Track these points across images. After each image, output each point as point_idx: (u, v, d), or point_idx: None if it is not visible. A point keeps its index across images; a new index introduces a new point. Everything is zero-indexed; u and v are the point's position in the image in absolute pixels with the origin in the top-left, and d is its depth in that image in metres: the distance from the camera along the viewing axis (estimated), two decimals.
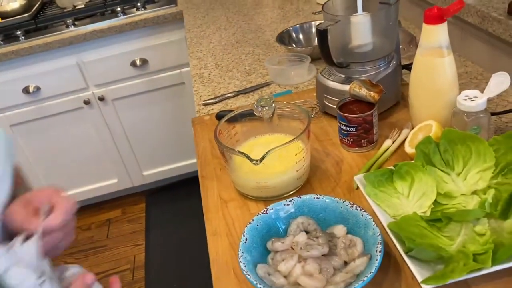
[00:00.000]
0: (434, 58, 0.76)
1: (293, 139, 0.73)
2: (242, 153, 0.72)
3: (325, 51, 0.86)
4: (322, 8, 0.91)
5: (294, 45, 1.36)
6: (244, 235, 0.64)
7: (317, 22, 1.40)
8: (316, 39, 1.35)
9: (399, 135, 0.86)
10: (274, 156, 0.72)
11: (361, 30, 0.88)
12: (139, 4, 2.06)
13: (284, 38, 1.37)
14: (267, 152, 0.71)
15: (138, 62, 2.03)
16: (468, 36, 1.12)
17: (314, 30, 1.38)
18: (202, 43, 1.63)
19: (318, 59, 1.28)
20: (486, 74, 1.07)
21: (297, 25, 1.41)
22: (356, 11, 0.90)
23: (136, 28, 1.99)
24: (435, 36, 0.75)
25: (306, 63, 1.22)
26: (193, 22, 1.85)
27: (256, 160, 0.71)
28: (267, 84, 1.25)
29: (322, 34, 0.84)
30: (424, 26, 0.75)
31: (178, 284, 1.91)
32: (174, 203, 2.33)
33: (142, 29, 2.01)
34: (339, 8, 0.95)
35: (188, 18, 1.91)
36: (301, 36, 1.38)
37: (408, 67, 1.08)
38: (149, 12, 2.03)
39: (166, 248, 2.11)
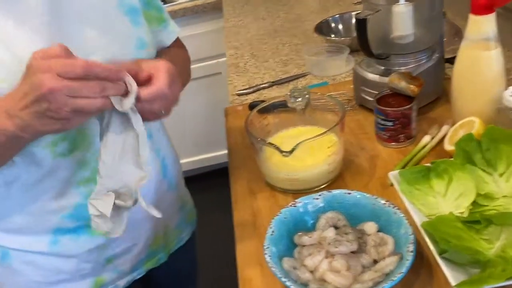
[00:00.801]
0: (480, 51, 0.72)
1: (326, 132, 0.71)
2: (272, 144, 0.71)
3: (364, 41, 0.83)
4: None
5: (333, 36, 1.32)
6: (271, 227, 0.63)
7: (357, 12, 1.36)
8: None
9: (438, 131, 0.82)
10: (305, 149, 0.71)
11: (403, 20, 0.84)
12: None
13: (322, 28, 1.34)
14: (297, 144, 0.69)
15: None
16: None
17: (354, 20, 1.33)
18: (239, 32, 1.62)
19: (357, 50, 1.24)
20: None
21: (337, 15, 1.37)
22: (398, 0, 0.86)
23: (175, 17, 2.01)
24: (482, 28, 0.71)
25: (344, 54, 1.19)
26: (231, 11, 1.84)
27: (286, 152, 0.69)
28: (303, 75, 1.22)
29: (361, 23, 0.81)
30: (471, 16, 0.71)
31: (205, 273, 1.92)
32: (206, 192, 2.35)
33: (181, 18, 2.02)
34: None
35: (227, 7, 1.90)
36: (340, 27, 1.34)
37: (452, 60, 1.03)
38: (189, 1, 2.04)
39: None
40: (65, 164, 0.67)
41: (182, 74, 0.78)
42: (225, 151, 2.48)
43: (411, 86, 0.79)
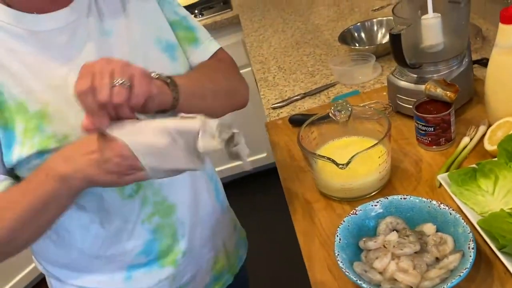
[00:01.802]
0: (511, 57, 0.78)
1: (376, 144, 0.77)
2: (328, 158, 0.77)
3: (399, 54, 0.89)
4: (393, 11, 0.94)
5: (357, 44, 1.39)
6: (337, 235, 0.69)
7: (378, 19, 1.42)
8: (379, 36, 1.38)
9: (476, 132, 0.88)
10: (357, 160, 0.77)
11: (433, 31, 0.90)
12: (196, 11, 2.15)
13: (346, 38, 1.40)
14: (352, 157, 0.75)
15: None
16: None
17: (375, 28, 1.40)
18: (262, 46, 1.68)
19: (381, 56, 1.31)
20: None
21: (358, 24, 1.43)
22: (425, 11, 0.92)
23: None
24: (511, 36, 0.76)
25: (371, 62, 1.25)
26: (250, 26, 1.91)
27: (342, 164, 0.75)
28: (332, 85, 1.29)
29: (396, 38, 0.87)
30: (500, 25, 0.77)
31: (270, 280, 1.95)
32: (242, 198, 2.42)
33: None
34: (407, 9, 0.97)
35: (245, 22, 1.97)
36: (363, 35, 1.40)
37: (479, 62, 1.09)
38: (207, 18, 2.12)
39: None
40: (131, 205, 0.74)
41: (204, 80, 0.79)
42: (254, 157, 2.53)
43: (448, 92, 0.85)
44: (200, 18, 2.11)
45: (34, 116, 0.63)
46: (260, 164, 2.39)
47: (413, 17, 0.93)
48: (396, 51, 0.89)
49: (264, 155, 2.40)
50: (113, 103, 0.54)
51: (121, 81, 0.55)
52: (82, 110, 0.56)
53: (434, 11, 0.91)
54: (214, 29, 2.10)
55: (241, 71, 2.36)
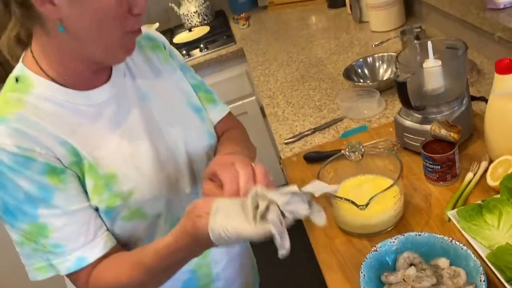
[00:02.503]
0: (507, 102, 0.87)
1: (391, 186, 0.85)
2: (348, 200, 0.86)
3: (405, 98, 0.99)
4: (397, 59, 1.03)
5: (361, 80, 1.48)
6: (362, 272, 0.77)
7: (379, 55, 1.52)
8: (381, 72, 1.48)
9: (478, 168, 0.96)
10: (374, 199, 0.85)
11: (434, 76, 0.99)
12: (201, 45, 2.25)
13: (350, 73, 1.49)
14: (371, 199, 0.84)
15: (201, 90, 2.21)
16: None
17: (377, 63, 1.50)
18: (269, 81, 1.78)
19: (384, 90, 1.40)
20: None
21: (361, 60, 1.53)
22: (426, 56, 1.01)
23: (202, 68, 2.18)
24: (506, 84, 0.86)
25: (375, 97, 1.35)
26: (255, 59, 2.01)
27: (362, 206, 0.84)
28: (340, 119, 1.37)
29: (402, 85, 0.96)
30: (496, 75, 0.86)
31: None
32: None
33: (207, 68, 2.19)
34: (411, 56, 1.07)
35: (250, 55, 2.07)
36: (366, 71, 1.50)
37: (477, 99, 1.18)
38: (212, 52, 2.21)
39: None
40: None
41: (247, 149, 0.93)
42: None
43: (451, 133, 0.94)
44: (206, 52, 2.21)
45: (103, 177, 0.74)
46: None
47: (416, 64, 1.02)
48: (403, 96, 0.98)
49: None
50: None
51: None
52: (141, 169, 0.71)
53: (434, 57, 1.01)
54: (219, 62, 2.20)
55: (245, 100, 2.46)
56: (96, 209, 0.76)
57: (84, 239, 0.74)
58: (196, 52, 2.25)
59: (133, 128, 0.80)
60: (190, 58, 2.21)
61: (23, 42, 0.76)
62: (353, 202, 0.85)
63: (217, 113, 0.98)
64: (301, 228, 1.01)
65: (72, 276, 0.75)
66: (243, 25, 2.39)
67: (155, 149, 0.81)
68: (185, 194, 0.86)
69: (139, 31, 0.74)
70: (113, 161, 0.76)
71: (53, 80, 0.74)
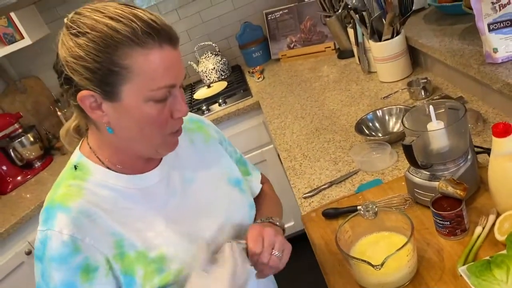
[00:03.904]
0: (507, 162, 0.95)
1: (404, 245, 0.92)
2: (364, 260, 0.93)
3: (412, 159, 1.07)
4: (402, 123, 1.12)
5: (372, 133, 1.57)
6: None
7: (388, 108, 1.61)
8: (390, 125, 1.56)
9: (486, 221, 1.03)
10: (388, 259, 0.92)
11: (438, 137, 1.07)
12: (220, 100, 2.39)
13: (362, 127, 1.58)
14: (385, 259, 0.91)
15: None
16: None
17: (387, 117, 1.59)
18: (285, 134, 1.88)
19: (395, 142, 1.48)
20: None
21: (371, 113, 1.62)
22: (430, 118, 1.10)
23: (222, 121, 2.31)
24: (504, 146, 0.93)
25: (387, 151, 1.43)
26: (271, 112, 2.12)
27: (378, 266, 0.91)
28: (355, 172, 1.45)
29: (408, 148, 1.05)
30: (494, 138, 0.94)
31: None
32: None
33: (227, 121, 2.32)
34: (415, 116, 1.15)
35: (266, 109, 2.19)
36: (376, 124, 1.59)
37: (481, 152, 1.26)
38: (231, 106, 2.34)
39: None
40: None
41: (279, 213, 1.03)
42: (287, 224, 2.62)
43: (458, 191, 1.01)
44: (225, 106, 2.34)
45: (153, 261, 0.81)
46: (289, 232, 2.54)
47: (420, 125, 1.11)
48: (409, 157, 1.07)
49: (291, 223, 2.55)
50: (267, 265, 0.80)
51: (278, 254, 0.82)
52: (189, 247, 0.82)
53: (437, 115, 1.09)
54: (238, 115, 2.32)
55: (264, 149, 2.56)
56: None
57: None
58: (215, 107, 2.38)
59: (179, 210, 0.89)
60: (210, 113, 2.34)
61: (81, 133, 0.88)
62: (369, 263, 0.92)
63: (256, 180, 1.11)
64: (311, 265, 1.08)
65: None
66: (259, 78, 2.53)
67: (200, 229, 0.89)
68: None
69: (179, 130, 0.84)
70: (162, 242, 0.83)
71: (107, 167, 0.83)
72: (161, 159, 0.90)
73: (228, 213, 0.96)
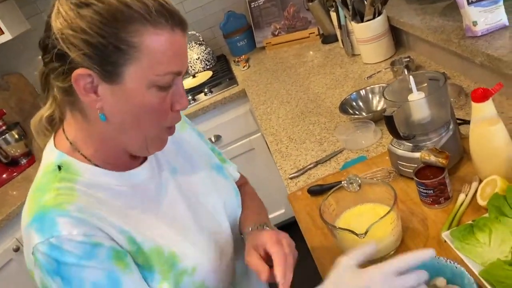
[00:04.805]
0: (486, 127, 0.95)
1: (387, 213, 0.92)
2: (348, 230, 0.93)
3: (394, 130, 1.07)
4: (383, 94, 1.12)
5: (356, 112, 1.57)
6: None
7: (371, 87, 1.61)
8: (374, 103, 1.56)
9: (469, 189, 1.03)
10: (373, 227, 0.92)
11: (419, 108, 1.08)
12: (206, 89, 2.37)
13: (346, 107, 1.58)
14: (369, 227, 0.91)
15: (213, 139, 2.31)
16: (510, 82, 1.28)
17: (370, 95, 1.59)
18: (271, 119, 1.87)
19: (379, 120, 1.48)
20: None
21: (354, 93, 1.62)
22: (411, 91, 1.10)
23: (208, 111, 2.29)
24: (483, 111, 0.94)
25: (371, 128, 1.43)
26: (257, 99, 2.12)
27: (362, 234, 0.91)
28: (340, 151, 1.45)
29: (389, 119, 1.05)
30: (473, 104, 0.94)
31: None
32: None
33: (213, 110, 2.30)
34: (396, 89, 1.15)
35: (252, 96, 2.18)
36: (360, 103, 1.59)
37: (464, 121, 1.26)
38: (217, 95, 2.33)
39: None
40: None
41: (262, 209, 1.05)
42: (274, 214, 2.63)
43: (440, 159, 1.01)
44: (210, 96, 2.33)
45: (166, 259, 0.76)
46: (280, 220, 2.54)
47: (402, 97, 1.11)
48: (391, 128, 1.06)
49: (282, 211, 2.55)
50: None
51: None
52: (195, 242, 0.80)
53: (417, 86, 1.09)
54: (224, 104, 2.31)
55: (252, 137, 2.55)
56: None
57: None
58: (201, 97, 2.36)
59: (175, 204, 0.84)
60: (196, 103, 2.33)
61: (53, 124, 0.78)
62: (353, 232, 0.92)
63: (233, 170, 1.09)
64: (310, 258, 1.08)
65: None
66: (244, 67, 2.52)
67: (200, 220, 0.86)
68: (231, 259, 0.91)
69: (173, 128, 0.78)
70: (168, 242, 0.77)
71: (95, 165, 0.75)
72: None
73: (221, 200, 0.93)
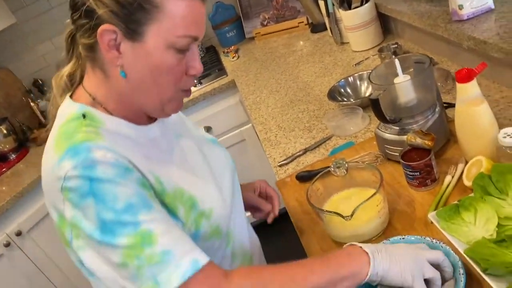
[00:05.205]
0: (471, 107, 0.95)
1: (373, 195, 0.92)
2: (335, 212, 0.92)
3: (380, 114, 1.06)
4: (369, 78, 1.12)
5: (344, 99, 1.56)
6: None
7: (359, 74, 1.61)
8: (362, 89, 1.56)
9: (456, 170, 1.03)
10: (359, 210, 0.92)
11: (405, 90, 1.07)
12: (195, 81, 2.36)
13: (334, 94, 1.58)
14: (355, 209, 0.90)
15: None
16: (496, 65, 1.28)
17: (358, 82, 1.59)
18: (260, 108, 1.87)
19: (367, 107, 1.48)
20: None
21: (343, 80, 1.62)
22: (397, 74, 1.10)
23: (198, 102, 2.28)
24: (468, 91, 0.94)
25: (359, 114, 1.43)
26: (246, 89, 2.11)
27: (348, 216, 0.91)
28: (328, 138, 1.45)
29: (375, 102, 1.04)
30: (458, 84, 0.94)
31: None
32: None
33: (203, 101, 2.29)
34: (382, 73, 1.15)
35: (241, 86, 2.17)
36: (348, 90, 1.59)
37: (450, 105, 1.26)
38: (206, 86, 2.32)
39: None
40: None
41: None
42: None
43: (426, 141, 1.01)
44: (200, 87, 2.32)
45: (187, 201, 0.80)
46: None
47: (388, 81, 1.11)
48: (377, 111, 1.06)
49: None
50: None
51: None
52: (216, 187, 0.88)
53: (403, 69, 1.09)
54: (214, 94, 2.30)
55: (242, 128, 2.55)
56: None
57: (189, 245, 0.71)
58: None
59: (185, 156, 0.89)
60: None
61: (73, 81, 0.82)
62: (339, 214, 0.92)
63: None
64: (297, 241, 1.08)
65: (190, 284, 0.68)
66: (233, 57, 2.50)
67: (210, 169, 0.91)
68: (229, 205, 0.94)
69: (189, 91, 0.81)
70: (188, 186, 0.82)
71: (113, 116, 0.79)
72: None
73: (224, 164, 0.98)
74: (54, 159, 0.71)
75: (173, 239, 0.70)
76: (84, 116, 0.76)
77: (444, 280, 0.77)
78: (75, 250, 0.72)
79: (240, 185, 1.04)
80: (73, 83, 0.83)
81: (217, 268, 0.72)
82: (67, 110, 0.79)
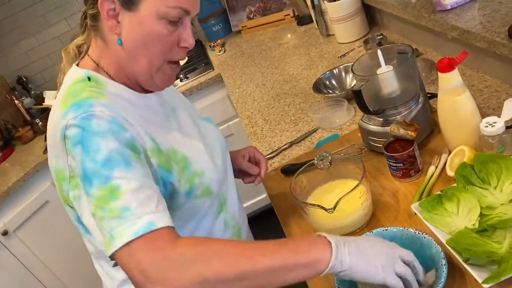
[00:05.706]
0: (453, 96, 0.94)
1: (356, 187, 0.91)
2: (318, 205, 0.91)
3: (362, 105, 1.06)
4: (352, 69, 1.11)
5: (330, 91, 1.55)
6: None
7: (344, 66, 1.60)
8: (347, 81, 1.55)
9: (439, 161, 1.03)
10: (342, 202, 0.91)
11: (388, 81, 1.06)
12: (181, 76, 2.34)
13: (319, 86, 1.57)
14: (338, 201, 0.90)
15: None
16: (480, 54, 1.28)
17: (343, 74, 1.58)
18: (247, 102, 1.85)
19: (352, 99, 1.47)
20: (504, 85, 1.23)
21: (328, 72, 1.60)
22: (380, 65, 1.09)
23: (185, 96, 2.25)
24: (449, 81, 0.93)
25: (344, 106, 1.42)
26: (233, 83, 2.09)
27: (331, 209, 0.90)
28: (314, 131, 1.44)
29: (357, 93, 1.03)
30: (439, 74, 0.94)
31: None
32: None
33: (190, 95, 2.27)
34: (365, 64, 1.14)
35: (228, 80, 2.15)
36: (333, 82, 1.58)
37: (434, 95, 1.25)
38: (193, 80, 2.30)
39: None
40: None
41: None
42: (255, 199, 2.63)
43: (409, 132, 1.00)
44: (186, 82, 2.30)
45: (181, 160, 0.86)
46: (262, 204, 2.53)
47: (370, 72, 1.10)
48: (360, 103, 1.05)
49: (264, 195, 2.54)
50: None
51: None
52: (207, 153, 0.93)
53: (385, 60, 1.08)
54: (200, 89, 2.28)
55: (230, 123, 2.53)
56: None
57: (154, 207, 0.72)
58: (177, 82, 2.33)
59: (181, 125, 0.93)
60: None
61: (81, 51, 0.90)
62: (322, 207, 0.91)
63: None
64: (281, 233, 1.07)
65: (137, 242, 0.68)
66: (220, 51, 2.48)
67: (203, 140, 0.96)
68: (220, 172, 0.97)
69: (178, 64, 0.86)
70: (182, 147, 0.88)
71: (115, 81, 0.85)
72: None
73: (216, 139, 1.02)
74: (60, 113, 0.78)
75: (138, 198, 0.72)
76: (89, 78, 0.83)
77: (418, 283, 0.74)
78: (71, 201, 0.80)
79: (230, 152, 1.10)
80: (81, 53, 0.91)
81: (171, 233, 0.71)
82: (74, 75, 0.85)
